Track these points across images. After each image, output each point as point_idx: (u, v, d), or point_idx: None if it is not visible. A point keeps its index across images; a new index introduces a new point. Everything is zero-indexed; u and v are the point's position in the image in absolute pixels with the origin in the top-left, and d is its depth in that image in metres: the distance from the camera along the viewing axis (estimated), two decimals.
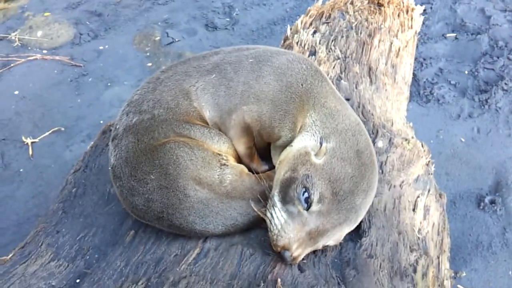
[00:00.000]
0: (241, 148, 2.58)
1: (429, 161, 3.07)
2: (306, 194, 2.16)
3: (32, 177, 4.85)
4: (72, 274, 2.31)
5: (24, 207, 4.60)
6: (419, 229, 2.70)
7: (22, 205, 4.62)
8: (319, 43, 3.53)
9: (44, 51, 6.36)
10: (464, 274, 3.79)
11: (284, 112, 2.48)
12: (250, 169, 2.56)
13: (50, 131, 5.26)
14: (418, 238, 2.65)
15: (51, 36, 6.54)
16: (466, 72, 5.49)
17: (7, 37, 6.52)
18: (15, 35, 6.51)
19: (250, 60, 2.60)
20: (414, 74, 5.49)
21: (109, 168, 2.46)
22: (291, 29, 3.82)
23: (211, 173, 2.33)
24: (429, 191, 2.90)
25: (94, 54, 6.28)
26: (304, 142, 2.39)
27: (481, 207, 4.20)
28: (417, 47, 5.77)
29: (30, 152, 5.07)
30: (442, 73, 5.51)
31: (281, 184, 2.26)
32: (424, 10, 6.04)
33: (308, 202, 2.15)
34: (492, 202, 4.22)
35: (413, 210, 2.74)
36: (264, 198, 2.33)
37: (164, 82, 2.60)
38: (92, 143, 3.22)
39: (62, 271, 2.33)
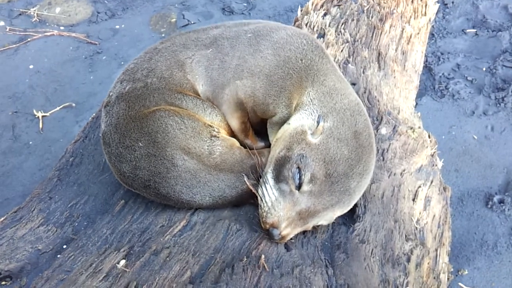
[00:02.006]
0: (235, 123, 2.53)
1: (434, 152, 2.99)
2: (299, 174, 2.11)
3: (41, 150, 4.88)
4: (60, 239, 2.31)
5: (30, 179, 4.63)
6: (418, 220, 2.63)
7: (28, 176, 4.65)
8: (329, 25, 3.45)
9: (61, 28, 6.38)
10: (466, 272, 3.69)
11: (280, 88, 2.41)
12: (244, 146, 2.52)
13: (61, 106, 5.28)
14: (416, 228, 2.58)
15: (69, 13, 6.56)
16: (484, 69, 5.33)
17: (27, 12, 6.56)
18: (34, 10, 6.54)
19: (249, 35, 2.54)
20: (430, 68, 5.38)
21: (100, 135, 2.44)
22: (301, 10, 3.75)
23: (201, 143, 2.29)
24: (431, 182, 2.82)
25: (110, 32, 6.28)
26: (302, 120, 2.33)
27: (489, 206, 4.08)
28: (435, 41, 5.66)
29: (40, 126, 5.10)
30: (459, 69, 5.37)
31: (275, 162, 2.21)
32: (445, 4, 5.91)
33: (300, 182, 2.10)
34: (501, 201, 4.10)
35: (413, 200, 2.67)
36: (254, 173, 2.28)
37: (161, 52, 2.56)
38: (93, 114, 3.22)
39: (50, 236, 2.33)
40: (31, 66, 5.80)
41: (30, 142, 4.96)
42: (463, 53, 5.56)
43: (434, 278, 2.51)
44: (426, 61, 5.47)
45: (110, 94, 2.52)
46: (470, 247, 3.85)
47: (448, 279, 2.74)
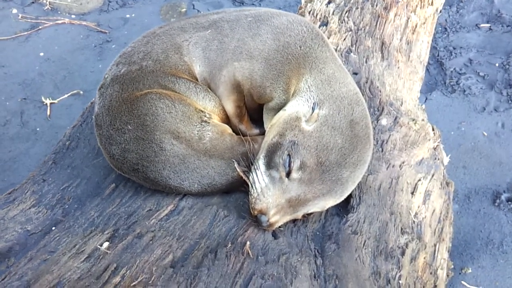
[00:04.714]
0: (230, 106, 2.50)
1: (437, 146, 2.91)
2: (289, 161, 2.06)
3: (47, 137, 4.90)
4: (49, 221, 2.30)
5: (36, 165, 4.64)
6: (416, 213, 2.56)
7: (34, 162, 4.67)
8: (332, 13, 3.39)
9: (73, 16, 6.40)
10: (470, 270, 3.61)
11: (278, 72, 2.37)
12: (237, 133, 2.48)
13: (69, 94, 5.30)
14: (413, 221, 2.51)
15: (80, 2, 6.58)
16: (497, 64, 5.20)
17: (39, 0, 6.59)
18: None
19: (249, 19, 2.51)
20: (441, 63, 5.27)
21: (93, 117, 2.43)
22: None
23: (190, 128, 2.25)
24: (433, 176, 2.75)
25: (121, 21, 6.28)
26: (297, 107, 2.29)
27: (496, 204, 3.99)
28: (447, 35, 5.54)
29: (48, 113, 5.12)
30: (472, 64, 5.25)
31: (268, 148, 2.17)
32: None
33: (289, 169, 2.05)
34: (509, 200, 4.00)
35: (412, 193, 2.61)
36: (245, 160, 2.24)
37: (158, 36, 2.54)
38: (93, 99, 3.21)
39: (40, 218, 2.32)
40: (41, 54, 5.82)
41: (38, 129, 4.98)
42: (476, 48, 5.44)
43: (431, 273, 2.44)
44: (438, 55, 5.36)
45: (106, 76, 2.51)
46: (475, 245, 3.76)
47: (447, 275, 2.67)
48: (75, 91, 5.32)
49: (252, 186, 2.11)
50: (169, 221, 2.09)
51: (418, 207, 2.60)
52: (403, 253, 2.31)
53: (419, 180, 2.67)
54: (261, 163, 2.16)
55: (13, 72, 5.56)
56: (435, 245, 2.55)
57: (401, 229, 2.41)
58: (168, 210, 2.17)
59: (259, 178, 2.11)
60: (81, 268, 1.80)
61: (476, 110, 4.79)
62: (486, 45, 5.47)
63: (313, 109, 2.20)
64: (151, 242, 1.92)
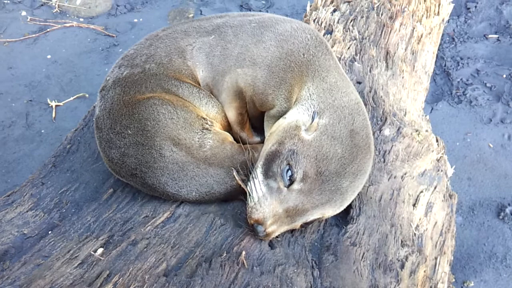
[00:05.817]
0: (232, 113, 2.48)
1: (441, 157, 2.87)
2: (289, 172, 2.04)
3: (52, 139, 4.91)
4: (46, 225, 2.29)
5: (39, 167, 4.66)
6: (417, 225, 2.53)
7: (38, 164, 4.67)
8: (337, 22, 3.36)
9: (81, 19, 6.44)
10: (472, 284, 3.56)
11: (280, 80, 2.35)
12: (238, 141, 2.45)
13: (75, 96, 5.32)
14: (414, 234, 2.48)
15: (89, 5, 6.61)
16: (504, 76, 5.16)
17: (48, 3, 6.64)
18: (56, 1, 6.61)
19: (253, 25, 2.50)
20: (448, 73, 5.23)
21: (94, 119, 2.42)
22: (310, 5, 3.66)
23: (191, 135, 2.23)
24: (435, 188, 2.71)
25: (128, 26, 6.31)
26: (298, 115, 2.26)
27: (500, 217, 3.93)
28: (455, 45, 5.50)
29: (53, 115, 5.14)
30: (479, 75, 5.21)
31: (266, 157, 2.14)
32: (468, 8, 5.75)
33: (290, 180, 2.03)
34: None
35: (413, 205, 2.57)
36: (245, 169, 2.22)
37: (161, 39, 2.53)
38: (95, 103, 3.21)
39: (37, 221, 2.31)
40: (48, 56, 5.86)
41: (42, 131, 5.00)
42: (484, 58, 5.40)
43: (431, 287, 2.40)
44: (445, 65, 5.33)
45: (107, 78, 2.50)
46: (478, 259, 3.71)
47: None
48: (80, 94, 5.34)
49: (249, 195, 2.09)
50: (164, 229, 2.07)
51: (420, 219, 2.56)
52: (402, 266, 2.27)
53: (421, 192, 2.64)
54: (259, 172, 2.14)
55: (20, 73, 5.59)
56: (436, 258, 2.51)
57: (401, 241, 2.38)
58: (164, 217, 2.15)
59: (257, 187, 2.09)
60: (74, 274, 1.78)
61: (482, 121, 4.75)
62: (494, 56, 5.43)
63: (313, 118, 2.18)
64: (145, 249, 1.91)
